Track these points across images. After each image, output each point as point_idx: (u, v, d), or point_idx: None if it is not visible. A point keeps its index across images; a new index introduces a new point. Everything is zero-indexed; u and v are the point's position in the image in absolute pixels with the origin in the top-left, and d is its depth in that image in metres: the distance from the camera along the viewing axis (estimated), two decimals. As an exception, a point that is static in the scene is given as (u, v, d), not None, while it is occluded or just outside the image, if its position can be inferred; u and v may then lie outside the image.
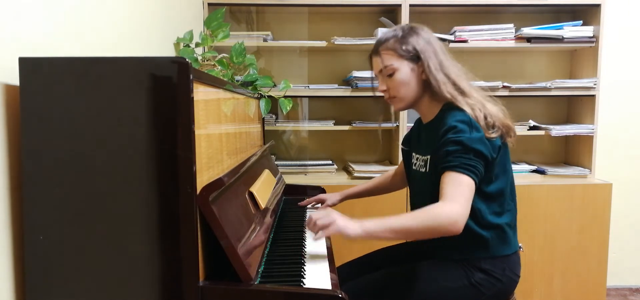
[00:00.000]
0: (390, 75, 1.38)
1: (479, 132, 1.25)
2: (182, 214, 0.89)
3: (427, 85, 1.36)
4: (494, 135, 1.28)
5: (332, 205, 1.76)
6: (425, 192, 1.36)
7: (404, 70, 1.36)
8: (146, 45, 1.55)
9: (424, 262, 1.40)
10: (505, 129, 1.32)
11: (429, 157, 1.35)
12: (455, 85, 1.34)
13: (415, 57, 1.35)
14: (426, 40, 1.36)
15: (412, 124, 1.52)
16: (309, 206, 1.81)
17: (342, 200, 1.79)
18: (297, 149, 2.74)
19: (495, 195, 1.32)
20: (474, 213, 1.29)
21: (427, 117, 1.43)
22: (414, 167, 1.47)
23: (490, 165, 1.28)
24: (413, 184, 1.51)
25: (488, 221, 1.31)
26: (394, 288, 1.35)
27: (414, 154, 1.48)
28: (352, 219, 1.20)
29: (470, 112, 1.28)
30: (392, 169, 1.81)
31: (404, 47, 1.35)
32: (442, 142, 1.27)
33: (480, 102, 1.32)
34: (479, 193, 1.29)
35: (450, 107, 1.32)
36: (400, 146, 1.70)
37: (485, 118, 1.28)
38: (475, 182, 1.22)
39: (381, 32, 2.40)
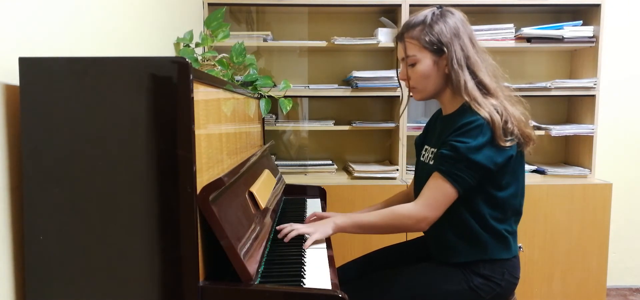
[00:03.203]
0: (413, 65, 1.34)
1: (484, 138, 1.21)
2: (182, 214, 0.89)
3: (449, 79, 1.31)
4: (508, 143, 1.23)
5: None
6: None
7: (426, 63, 1.31)
8: (146, 45, 1.55)
9: (424, 263, 1.40)
10: (525, 138, 1.28)
11: (437, 150, 1.33)
12: (480, 83, 1.28)
13: (440, 50, 1.30)
14: (454, 30, 1.29)
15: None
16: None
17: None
18: (297, 149, 2.73)
19: (502, 202, 1.29)
20: (477, 215, 1.29)
21: (447, 110, 1.39)
22: (422, 158, 1.44)
23: (497, 173, 1.25)
24: (418, 176, 1.47)
25: (489, 224, 1.30)
26: (394, 289, 1.35)
27: (425, 146, 1.45)
28: (323, 220, 1.37)
29: (487, 116, 1.22)
30: (400, 187, 1.65)
31: (428, 38, 1.29)
32: (445, 141, 1.27)
33: (503, 104, 1.26)
34: (486, 197, 1.28)
35: (469, 107, 1.27)
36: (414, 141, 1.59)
37: (506, 123, 1.23)
38: (458, 191, 1.24)
39: (381, 33, 2.42)
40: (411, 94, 1.41)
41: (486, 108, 1.24)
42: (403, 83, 1.41)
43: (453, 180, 1.23)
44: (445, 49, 1.29)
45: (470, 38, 1.31)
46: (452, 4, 2.38)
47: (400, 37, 1.37)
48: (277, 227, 1.36)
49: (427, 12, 1.33)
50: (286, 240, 1.31)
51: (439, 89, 1.36)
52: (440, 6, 1.35)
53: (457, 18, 1.32)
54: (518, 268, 1.37)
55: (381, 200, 1.66)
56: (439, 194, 1.25)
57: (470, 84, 1.27)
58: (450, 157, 1.24)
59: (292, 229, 1.33)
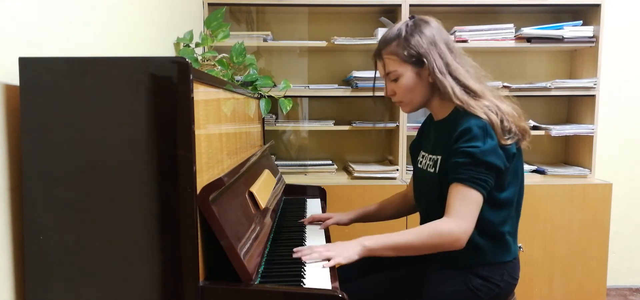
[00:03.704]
0: (396, 80, 1.33)
1: (493, 141, 1.20)
2: (182, 214, 0.89)
3: (435, 87, 1.30)
4: (509, 141, 1.22)
5: (339, 224, 1.60)
6: (432, 195, 1.32)
7: (408, 75, 1.31)
8: (146, 45, 1.55)
9: (423, 265, 1.40)
10: (522, 133, 1.26)
11: (439, 158, 1.30)
12: (465, 87, 1.27)
13: (419, 61, 1.29)
14: (430, 39, 1.28)
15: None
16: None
17: (352, 221, 1.61)
18: (297, 149, 2.74)
19: (503, 203, 1.28)
20: (479, 221, 1.28)
21: (439, 116, 1.37)
22: (419, 165, 1.43)
23: (502, 174, 1.24)
24: (418, 183, 1.46)
25: (489, 229, 1.28)
26: (393, 290, 1.35)
27: (421, 151, 1.44)
28: (348, 241, 1.22)
29: (485, 117, 1.21)
30: (402, 188, 1.64)
31: (406, 52, 1.29)
32: (453, 149, 1.23)
33: (494, 104, 1.25)
34: (488, 200, 1.26)
35: (464, 110, 1.25)
36: (408, 147, 1.58)
37: (502, 122, 1.22)
38: (483, 196, 1.21)
39: (381, 33, 2.41)
40: (400, 107, 1.40)
41: (480, 109, 1.23)
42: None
43: (478, 185, 1.20)
44: (424, 60, 1.28)
45: (447, 44, 1.30)
46: (452, 4, 2.40)
47: (378, 55, 1.36)
48: (294, 250, 1.24)
49: (400, 25, 1.32)
50: (305, 259, 1.18)
51: (427, 98, 1.35)
52: (412, 16, 1.34)
53: (432, 26, 1.31)
54: (518, 269, 1.36)
55: (381, 200, 1.66)
56: (469, 204, 1.20)
57: (458, 89, 1.26)
58: (468, 164, 1.20)
59: (312, 251, 1.20)
